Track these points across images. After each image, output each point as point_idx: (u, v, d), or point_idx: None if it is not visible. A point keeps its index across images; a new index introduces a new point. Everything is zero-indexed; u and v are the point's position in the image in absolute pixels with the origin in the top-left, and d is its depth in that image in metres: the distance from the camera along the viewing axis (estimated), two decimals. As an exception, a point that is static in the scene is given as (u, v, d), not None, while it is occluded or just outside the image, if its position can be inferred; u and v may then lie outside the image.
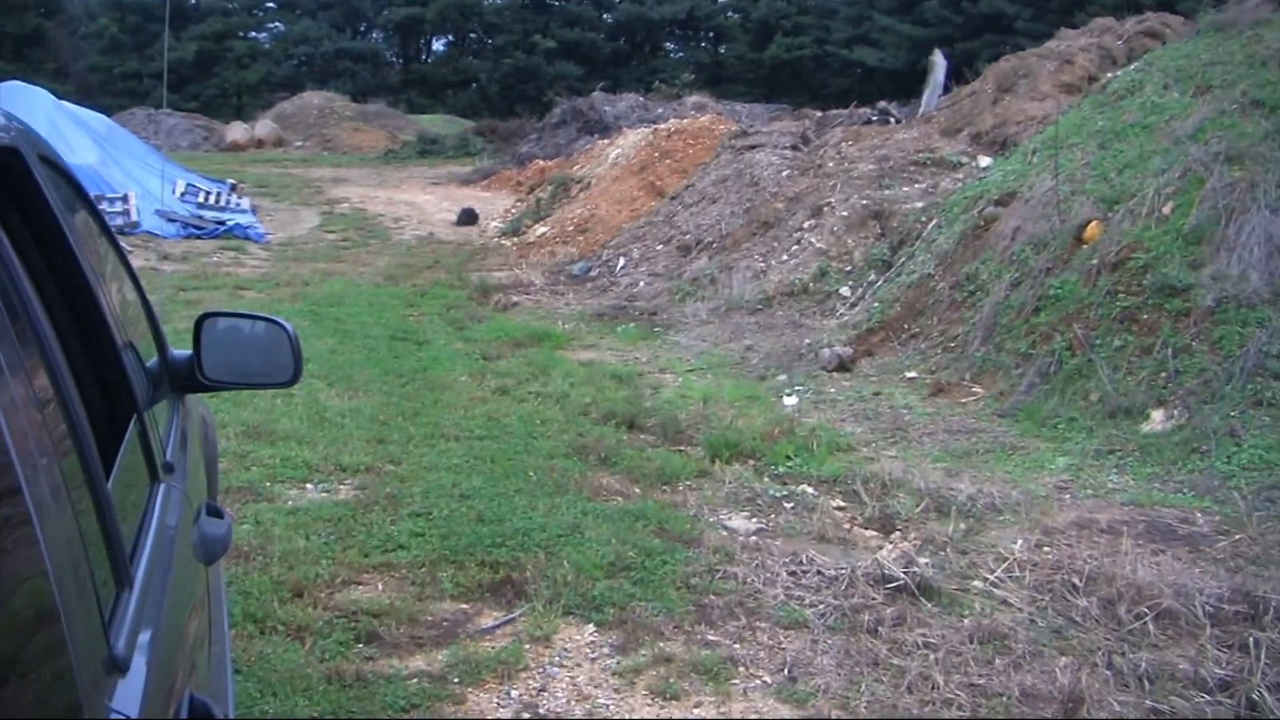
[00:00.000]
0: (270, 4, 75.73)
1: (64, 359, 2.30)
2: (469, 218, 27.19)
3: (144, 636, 2.18)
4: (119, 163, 24.75)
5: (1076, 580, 7.08)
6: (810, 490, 8.96)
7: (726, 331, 14.61)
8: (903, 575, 7.05)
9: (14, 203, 2.49)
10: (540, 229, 23.85)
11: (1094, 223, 12.17)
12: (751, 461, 9.64)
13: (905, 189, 16.71)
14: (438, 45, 79.14)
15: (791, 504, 8.64)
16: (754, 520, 8.32)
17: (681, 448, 10.07)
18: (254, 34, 74.55)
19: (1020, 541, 7.71)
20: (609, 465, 9.38)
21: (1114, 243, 11.70)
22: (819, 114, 27.70)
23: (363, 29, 76.74)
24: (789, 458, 9.63)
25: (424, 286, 18.42)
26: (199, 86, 65.32)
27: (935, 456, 9.83)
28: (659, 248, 19.08)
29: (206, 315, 4.06)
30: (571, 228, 22.82)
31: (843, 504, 8.73)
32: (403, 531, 7.58)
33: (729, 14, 76.32)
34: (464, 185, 35.85)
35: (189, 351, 4.03)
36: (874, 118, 22.99)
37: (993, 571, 7.27)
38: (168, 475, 3.18)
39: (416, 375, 12.29)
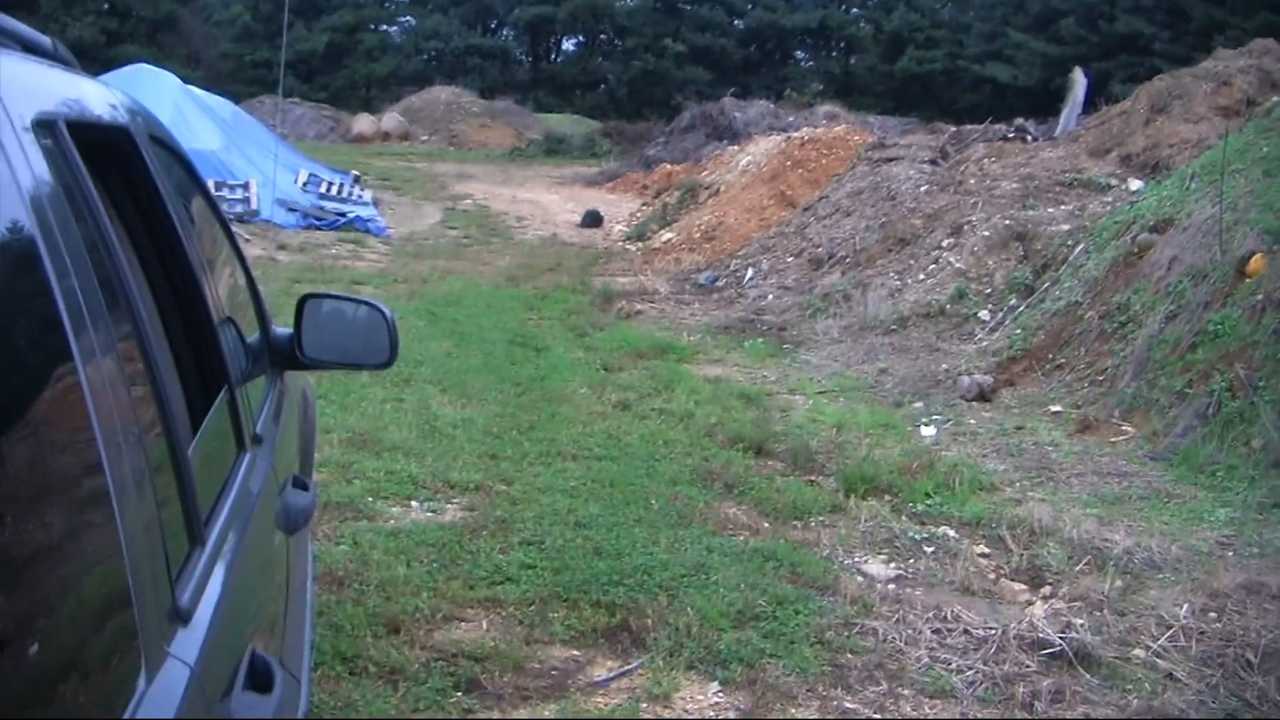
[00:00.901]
0: (402, -2, 76.03)
1: (161, 330, 2.51)
2: (593, 220, 26.75)
3: (211, 591, 2.24)
4: (242, 150, 24.56)
5: (1251, 655, 6.37)
6: (952, 533, 8.28)
7: (859, 352, 13.92)
8: (1059, 641, 6.39)
9: (122, 179, 2.65)
10: (666, 235, 23.28)
11: (1258, 256, 11.36)
12: (888, 497, 8.98)
13: (1050, 210, 15.92)
14: (567, 45, 79.29)
15: (932, 548, 7.97)
16: (892, 565, 7.66)
17: (813, 478, 9.43)
18: (385, 27, 75.12)
19: (1185, 606, 6.99)
20: (736, 495, 8.75)
21: (1280, 278, 10.91)
22: (952, 128, 26.98)
23: (493, 26, 76.88)
24: (928, 495, 8.97)
25: (545, 289, 17.93)
26: (328, 77, 65.74)
27: (1085, 501, 9.10)
28: (789, 260, 18.42)
29: (309, 296, 4.23)
30: (698, 235, 22.21)
31: (987, 551, 8.05)
32: (512, 562, 6.98)
33: (861, 24, 76.06)
34: (589, 186, 35.43)
35: (290, 330, 4.18)
36: (1010, 134, 22.24)
37: (1156, 639, 6.57)
38: (255, 445, 3.27)
39: (534, 385, 11.75)
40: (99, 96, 2.57)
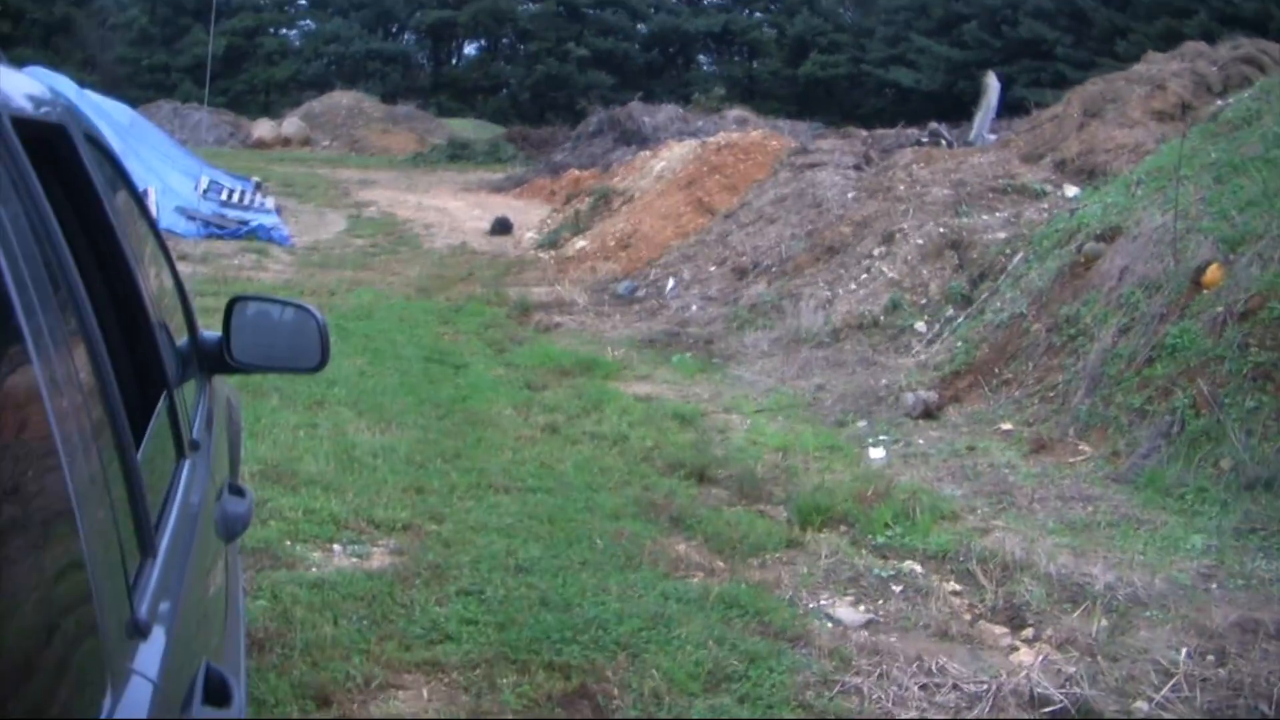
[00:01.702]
0: (302, 2, 75.52)
1: (101, 336, 2.33)
2: (503, 227, 26.02)
3: (165, 604, 2.21)
4: (140, 156, 23.65)
5: (1265, 707, 5.83)
6: (918, 569, 7.67)
7: (793, 367, 13.27)
8: (1060, 696, 5.80)
9: (59, 180, 2.57)
10: (580, 242, 22.61)
11: (1214, 265, 10.84)
12: (844, 529, 8.37)
13: (985, 218, 15.39)
14: (469, 49, 78.90)
15: (900, 587, 7.36)
16: (862, 608, 7.04)
17: (762, 507, 8.79)
18: (284, 31, 74.54)
19: (1182, 650, 6.42)
20: (684, 529, 8.10)
21: (1240, 289, 10.36)
22: (864, 133, 26.62)
23: (394, 30, 76.19)
24: (888, 526, 8.34)
25: (458, 301, 17.22)
26: (227, 82, 64.94)
27: (1051, 529, 8.52)
28: (712, 269, 17.80)
29: (237, 299, 4.12)
30: (613, 243, 21.55)
31: (958, 588, 7.44)
32: (451, 617, 6.25)
33: (764, 29, 75.92)
34: (495, 192, 34.73)
35: (219, 334, 4.08)
36: (924, 139, 21.88)
37: (1158, 689, 6.00)
38: (193, 452, 3.22)
39: (455, 406, 11.05)
40: (35, 92, 2.49)
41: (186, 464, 3.07)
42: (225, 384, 4.96)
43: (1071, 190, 15.70)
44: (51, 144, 2.55)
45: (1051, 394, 11.18)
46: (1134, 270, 11.54)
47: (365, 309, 15.74)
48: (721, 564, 7.53)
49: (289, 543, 7.17)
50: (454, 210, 30.04)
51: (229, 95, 63.00)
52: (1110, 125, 16.76)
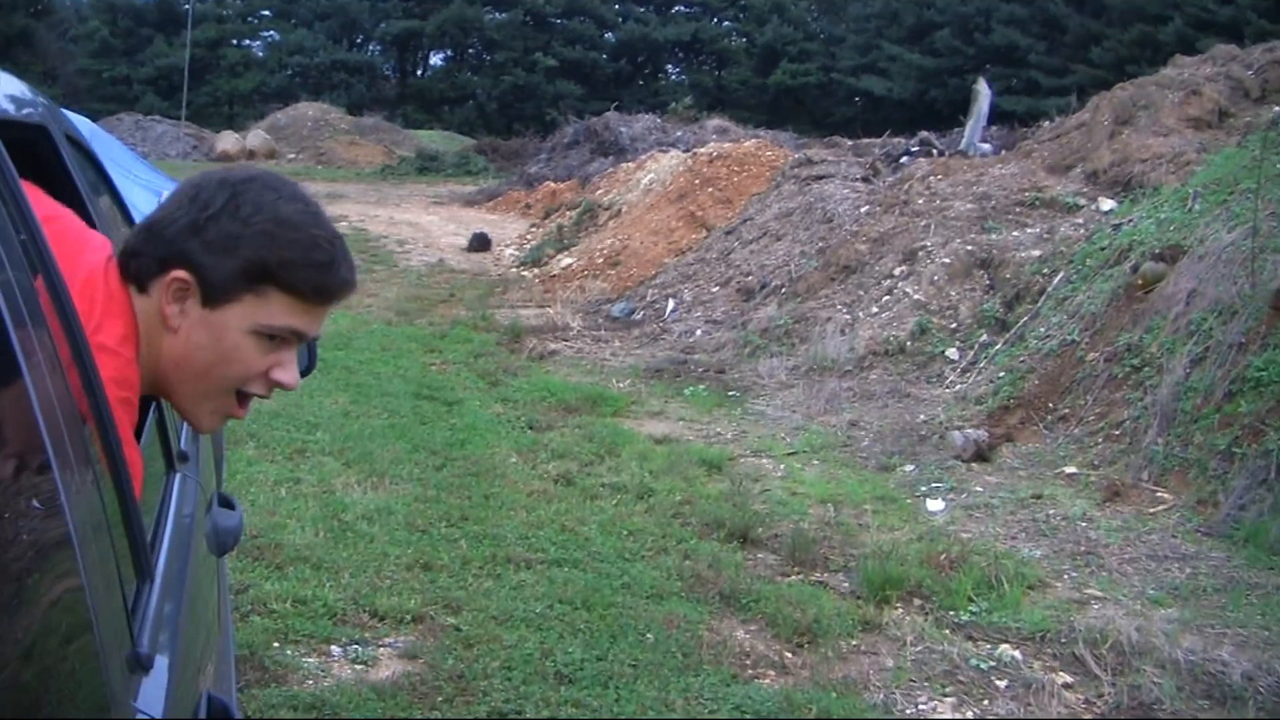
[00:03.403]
0: (265, 12, 74.57)
1: (89, 347, 2.18)
2: (481, 243, 24.81)
3: (166, 632, 2.09)
4: (98, 171, 22.41)
5: None
6: (1017, 655, 6.50)
7: (819, 400, 12.00)
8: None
9: (41, 182, 2.47)
10: (565, 260, 21.43)
11: (1299, 287, 9.72)
12: (919, 602, 7.19)
13: (1015, 234, 14.21)
14: (435, 60, 78.09)
15: (1004, 680, 6.20)
16: (967, 712, 5.87)
17: (820, 576, 7.60)
18: (248, 42, 73.72)
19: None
20: (739, 609, 6.89)
21: (1330, 314, 9.27)
22: (849, 143, 25.73)
23: (359, 41, 75.34)
24: (970, 598, 7.17)
25: (443, 326, 15.98)
26: (190, 94, 63.64)
27: (1152, 597, 7.36)
28: (715, 289, 16.61)
29: None
30: (601, 260, 20.38)
31: (1070, 680, 6.27)
32: (486, 750, 5.02)
33: (734, 38, 75.58)
34: (468, 206, 33.56)
35: None
36: (914, 148, 20.85)
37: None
38: (183, 464, 3.06)
39: (453, 452, 9.81)
40: (16, 92, 2.39)
41: (176, 477, 2.91)
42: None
43: (1107, 204, 14.54)
44: (34, 145, 2.50)
45: (1118, 432, 10.03)
46: (1203, 293, 10.39)
47: (343, 336, 14.46)
48: (792, 656, 6.33)
49: (276, 645, 5.87)
50: (427, 225, 28.83)
51: (192, 107, 61.93)
52: (1144, 133, 15.57)
